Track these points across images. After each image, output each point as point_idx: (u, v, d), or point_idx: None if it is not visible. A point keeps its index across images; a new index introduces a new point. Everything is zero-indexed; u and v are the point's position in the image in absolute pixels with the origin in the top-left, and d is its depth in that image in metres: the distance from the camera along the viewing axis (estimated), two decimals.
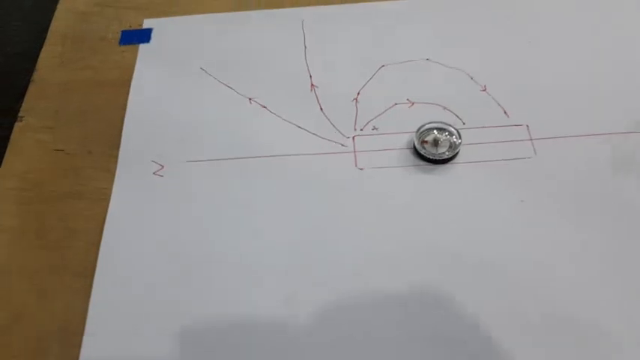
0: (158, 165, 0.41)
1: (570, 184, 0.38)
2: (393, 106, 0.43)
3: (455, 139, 0.40)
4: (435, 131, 0.41)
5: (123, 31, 0.49)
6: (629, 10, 0.48)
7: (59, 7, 0.51)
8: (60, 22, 0.50)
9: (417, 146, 0.40)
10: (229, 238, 0.37)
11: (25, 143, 0.43)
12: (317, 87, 0.44)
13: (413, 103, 0.43)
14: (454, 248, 0.36)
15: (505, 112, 0.42)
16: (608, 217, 0.37)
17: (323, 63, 0.46)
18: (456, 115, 0.42)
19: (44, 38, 0.49)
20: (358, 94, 0.44)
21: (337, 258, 0.36)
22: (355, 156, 0.41)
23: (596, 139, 0.40)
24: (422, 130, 0.41)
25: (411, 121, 0.41)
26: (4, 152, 0.42)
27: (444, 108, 0.42)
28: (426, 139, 0.40)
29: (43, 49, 0.48)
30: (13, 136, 0.43)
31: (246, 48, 0.47)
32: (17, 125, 0.44)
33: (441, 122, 0.41)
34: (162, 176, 0.40)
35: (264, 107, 0.43)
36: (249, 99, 0.44)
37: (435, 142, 0.40)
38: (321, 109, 0.43)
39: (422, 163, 0.40)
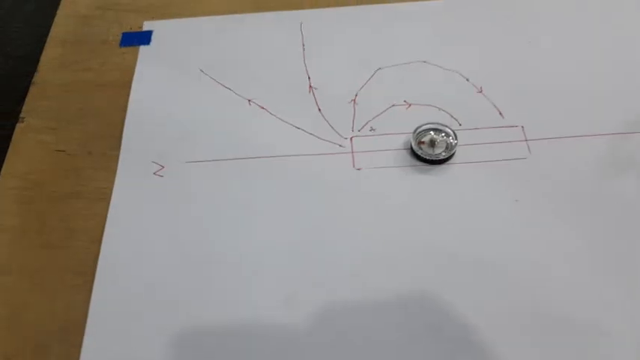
0: (158, 165, 0.41)
1: (565, 184, 0.39)
2: (390, 107, 0.43)
3: (451, 140, 0.40)
4: (431, 132, 0.41)
5: (123, 34, 0.49)
6: (629, 10, 0.48)
7: (60, 10, 0.51)
8: (61, 25, 0.50)
9: (414, 147, 0.40)
10: (229, 238, 0.38)
11: (26, 144, 0.43)
12: (315, 88, 0.45)
13: (410, 105, 0.43)
14: (450, 248, 0.37)
15: (500, 114, 0.42)
16: (603, 216, 0.37)
17: (321, 65, 0.46)
18: (453, 117, 0.42)
19: (45, 41, 0.49)
20: (356, 95, 0.44)
21: (335, 258, 0.36)
22: (353, 156, 0.41)
23: (591, 140, 0.41)
24: (419, 131, 0.41)
25: (408, 122, 0.41)
26: (6, 153, 0.42)
27: (441, 109, 0.43)
28: (422, 140, 0.41)
29: (44, 52, 0.48)
30: (14, 137, 0.43)
31: (245, 50, 0.47)
32: (19, 126, 0.44)
33: (438, 123, 0.41)
34: (162, 176, 0.41)
35: (263, 108, 0.44)
36: (248, 100, 0.44)
37: (432, 143, 0.41)
38: (320, 110, 0.43)
39: (419, 163, 0.40)
